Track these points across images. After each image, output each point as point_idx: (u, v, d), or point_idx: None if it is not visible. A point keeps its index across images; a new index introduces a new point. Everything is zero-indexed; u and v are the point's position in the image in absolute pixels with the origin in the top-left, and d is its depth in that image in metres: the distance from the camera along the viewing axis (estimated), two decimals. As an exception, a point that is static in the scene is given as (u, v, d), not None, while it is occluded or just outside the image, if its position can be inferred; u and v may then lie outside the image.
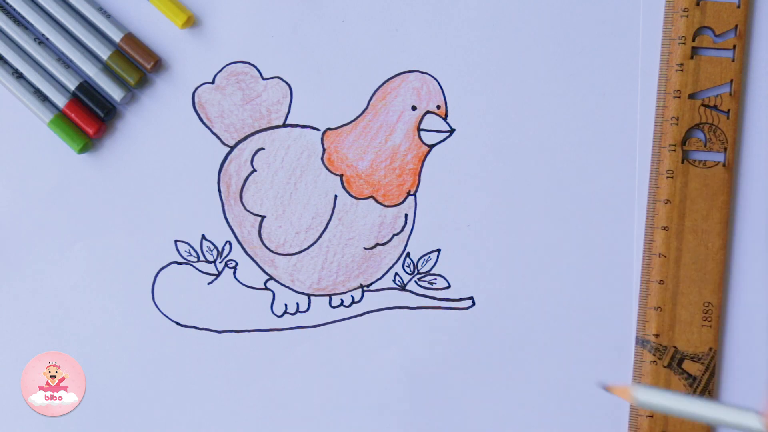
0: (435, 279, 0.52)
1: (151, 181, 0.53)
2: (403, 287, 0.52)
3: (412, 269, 0.52)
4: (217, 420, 0.52)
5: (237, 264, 0.53)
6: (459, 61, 0.52)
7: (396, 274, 0.52)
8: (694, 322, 0.51)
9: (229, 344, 0.52)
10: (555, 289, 0.52)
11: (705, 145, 0.52)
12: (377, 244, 0.53)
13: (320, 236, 0.53)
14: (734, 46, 0.51)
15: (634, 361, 0.51)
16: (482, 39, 0.52)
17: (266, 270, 0.53)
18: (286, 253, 0.53)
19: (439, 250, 0.52)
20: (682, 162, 0.52)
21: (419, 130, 0.52)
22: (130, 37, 0.52)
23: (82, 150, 0.52)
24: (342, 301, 0.52)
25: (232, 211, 0.53)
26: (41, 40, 0.53)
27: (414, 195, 0.53)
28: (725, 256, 0.51)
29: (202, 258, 0.53)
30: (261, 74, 0.53)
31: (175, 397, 0.52)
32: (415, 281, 0.52)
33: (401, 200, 0.53)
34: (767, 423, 0.37)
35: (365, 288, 0.53)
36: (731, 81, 0.51)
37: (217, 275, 0.53)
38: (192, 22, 0.53)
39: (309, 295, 0.53)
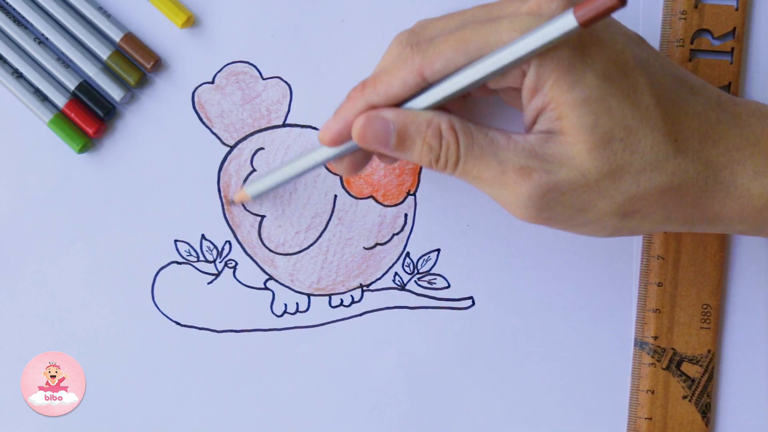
0: (435, 279, 0.53)
1: (151, 181, 0.53)
2: (402, 287, 0.53)
3: (411, 269, 0.53)
4: (217, 420, 0.52)
5: (237, 264, 0.53)
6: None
7: (396, 273, 0.53)
8: (693, 324, 0.51)
9: (229, 344, 0.52)
10: (555, 290, 0.52)
11: (703, 147, 0.52)
12: (377, 244, 0.53)
13: (320, 236, 0.53)
14: (732, 49, 0.51)
15: (633, 362, 0.52)
16: (482, 40, 0.52)
17: (266, 270, 0.53)
18: (285, 253, 0.53)
19: (438, 250, 0.53)
20: (681, 164, 0.52)
21: (419, 130, 0.53)
22: (130, 37, 0.52)
23: (82, 150, 0.52)
24: (342, 300, 0.53)
25: (231, 210, 0.53)
26: (41, 40, 0.53)
27: (414, 195, 0.53)
28: (723, 258, 0.52)
29: (201, 258, 0.53)
30: (261, 74, 0.53)
31: (175, 397, 0.52)
32: (415, 281, 0.53)
33: (401, 200, 0.53)
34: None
35: (365, 288, 0.53)
36: (729, 83, 0.51)
37: (217, 275, 0.53)
38: (192, 22, 0.53)
39: (309, 295, 0.53)
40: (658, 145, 0.41)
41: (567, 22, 0.38)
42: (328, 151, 0.46)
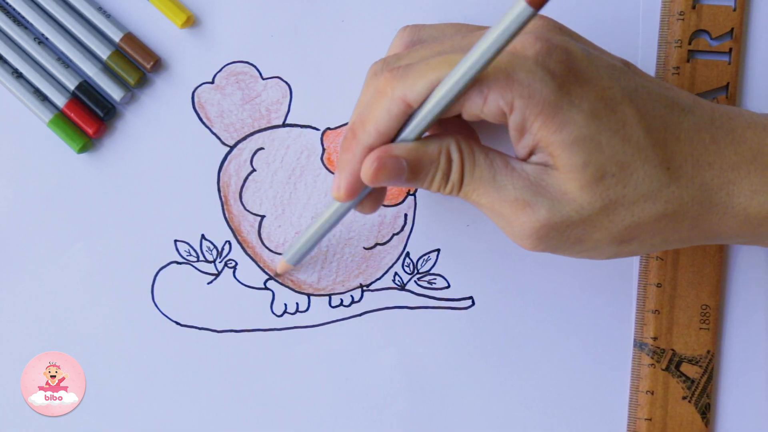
0: (435, 279, 0.53)
1: (151, 181, 0.53)
2: (402, 287, 0.53)
3: (411, 269, 0.53)
4: (217, 420, 0.52)
5: (237, 264, 0.53)
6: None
7: (396, 273, 0.53)
8: (692, 325, 0.52)
9: (229, 344, 0.53)
10: (554, 291, 0.52)
11: (702, 148, 0.52)
12: (377, 244, 0.53)
13: (320, 236, 0.53)
14: (730, 49, 0.52)
15: (632, 363, 0.52)
16: (482, 41, 0.52)
17: (266, 270, 0.53)
18: (285, 252, 0.53)
19: (438, 250, 0.53)
20: (679, 164, 0.52)
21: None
22: (129, 37, 0.52)
23: (82, 150, 0.52)
24: (342, 300, 0.53)
25: (231, 210, 0.53)
26: (41, 40, 0.52)
27: (414, 195, 0.53)
28: (723, 259, 0.52)
29: (201, 258, 0.53)
30: (261, 74, 0.53)
31: (175, 397, 0.52)
32: (415, 281, 0.53)
33: (401, 200, 0.53)
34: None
35: (365, 288, 0.53)
36: (727, 84, 0.52)
37: (217, 275, 0.53)
38: (192, 21, 0.53)
39: (309, 295, 0.53)
40: (651, 176, 0.41)
41: (518, 6, 0.38)
42: (346, 203, 0.46)
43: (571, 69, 0.41)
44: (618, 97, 0.41)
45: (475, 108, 0.41)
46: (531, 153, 0.42)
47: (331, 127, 0.53)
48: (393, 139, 0.43)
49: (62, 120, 0.52)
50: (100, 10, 0.52)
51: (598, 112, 0.41)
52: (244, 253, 0.53)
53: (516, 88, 0.40)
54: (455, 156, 0.43)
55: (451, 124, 0.47)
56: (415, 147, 0.43)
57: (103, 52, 0.52)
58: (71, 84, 0.52)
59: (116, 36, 0.52)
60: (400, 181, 0.43)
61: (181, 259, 0.53)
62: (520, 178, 0.42)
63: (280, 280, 0.53)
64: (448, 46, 0.43)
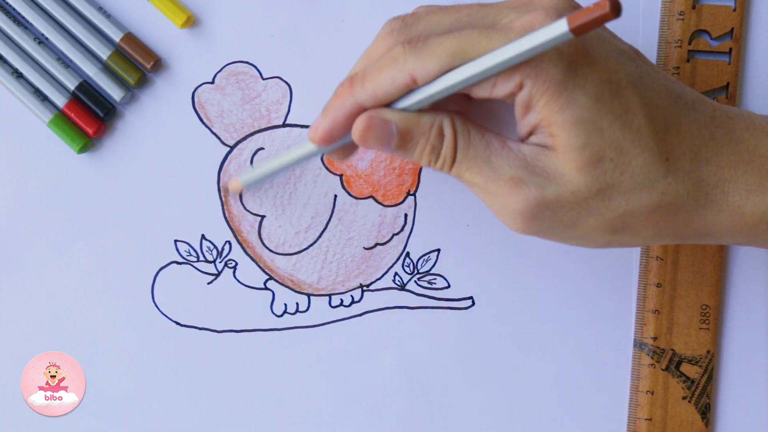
0: (435, 279, 0.53)
1: (151, 181, 0.53)
2: (402, 287, 0.53)
3: (411, 269, 0.53)
4: (217, 420, 0.52)
5: (237, 264, 0.53)
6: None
7: (396, 273, 0.53)
8: (692, 325, 0.52)
9: (229, 344, 0.53)
10: (554, 291, 0.52)
11: (702, 148, 0.52)
12: (377, 244, 0.53)
13: (320, 236, 0.53)
14: (730, 49, 0.52)
15: (632, 363, 0.52)
16: (482, 41, 0.52)
17: (266, 270, 0.53)
18: (285, 253, 0.53)
19: (438, 250, 0.53)
20: (679, 164, 0.52)
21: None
22: (129, 37, 0.52)
23: (82, 150, 0.52)
24: (342, 300, 0.53)
25: (231, 211, 0.53)
26: (41, 40, 0.52)
27: (414, 195, 0.53)
28: (723, 259, 0.52)
29: (201, 258, 0.53)
30: (261, 74, 0.53)
31: (175, 397, 0.52)
32: (415, 281, 0.53)
33: (401, 200, 0.53)
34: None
35: (365, 288, 0.53)
36: (728, 84, 0.52)
37: (217, 275, 0.53)
38: (192, 21, 0.53)
39: (309, 295, 0.53)
40: (649, 165, 0.41)
41: (559, 27, 0.38)
42: (318, 148, 0.46)
43: (580, 48, 0.41)
44: (623, 82, 0.41)
45: (484, 92, 0.42)
46: (531, 132, 0.42)
47: (331, 127, 0.53)
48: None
49: (62, 120, 0.52)
50: (100, 10, 0.52)
51: (603, 95, 0.41)
52: (244, 254, 0.53)
53: (524, 68, 0.40)
54: (448, 131, 0.43)
55: (449, 103, 0.47)
56: (408, 116, 0.43)
57: (103, 52, 0.52)
58: (71, 84, 0.52)
59: (116, 36, 0.52)
60: (389, 148, 0.43)
61: (181, 259, 0.53)
62: (516, 158, 0.42)
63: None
64: (465, 15, 0.43)
